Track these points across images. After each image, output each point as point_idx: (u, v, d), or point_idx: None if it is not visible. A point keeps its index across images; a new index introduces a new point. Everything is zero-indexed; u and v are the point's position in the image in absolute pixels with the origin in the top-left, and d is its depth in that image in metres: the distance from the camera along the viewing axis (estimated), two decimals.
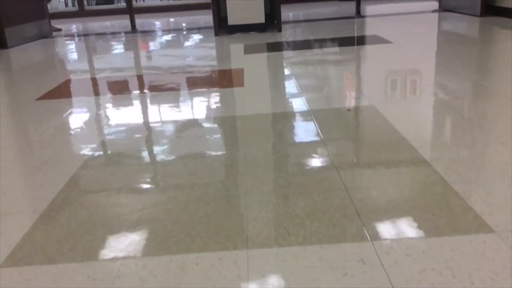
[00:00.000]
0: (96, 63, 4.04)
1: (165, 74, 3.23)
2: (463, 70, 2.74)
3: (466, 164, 1.50)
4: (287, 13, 6.96)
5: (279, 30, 4.93)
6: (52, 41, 5.38)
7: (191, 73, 3.24)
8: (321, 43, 4.13)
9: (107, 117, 2.29)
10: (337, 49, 3.78)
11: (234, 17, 4.91)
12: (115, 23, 7.09)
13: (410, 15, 5.47)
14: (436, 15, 5.39)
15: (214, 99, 2.54)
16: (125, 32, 5.73)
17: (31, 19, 5.29)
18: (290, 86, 2.66)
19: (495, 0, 4.80)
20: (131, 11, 5.82)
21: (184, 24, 6.60)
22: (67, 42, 5.38)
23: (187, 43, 4.76)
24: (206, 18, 6.51)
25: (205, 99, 2.54)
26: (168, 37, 5.27)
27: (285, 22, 5.55)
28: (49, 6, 6.37)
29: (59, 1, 9.88)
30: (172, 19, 7.37)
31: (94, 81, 3.21)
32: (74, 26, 7.10)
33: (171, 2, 9.00)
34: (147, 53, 4.45)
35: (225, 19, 5.07)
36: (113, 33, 5.71)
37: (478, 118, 1.92)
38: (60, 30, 6.09)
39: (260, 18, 4.92)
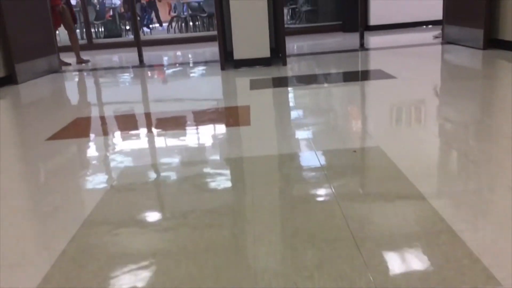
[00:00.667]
0: (104, 99, 4.11)
1: (171, 112, 3.27)
2: (467, 108, 2.76)
3: (473, 211, 1.51)
4: (292, 43, 7.08)
5: (284, 63, 5.00)
6: (61, 76, 5.48)
7: (198, 111, 3.28)
8: (326, 78, 4.18)
9: (115, 159, 2.32)
10: (341, 84, 3.84)
11: (240, 52, 4.99)
12: (123, 56, 7.23)
13: (414, 48, 5.55)
14: (439, 47, 5.47)
15: (221, 139, 2.57)
16: (133, 67, 5.83)
17: (41, 54, 5.41)
18: (296, 125, 2.69)
19: (497, 33, 4.86)
20: (138, 44, 5.94)
21: (190, 57, 6.72)
22: (76, 77, 5.48)
23: (193, 78, 4.84)
24: (213, 50, 6.62)
25: (212, 139, 2.58)
26: (175, 71, 5.36)
27: (290, 55, 5.63)
28: (58, 38, 6.55)
29: None
30: (179, 52, 7.50)
31: (102, 119, 3.26)
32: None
33: (178, 35, 9.17)
34: (154, 89, 4.52)
35: (231, 53, 5.16)
36: (122, 67, 5.81)
37: (485, 161, 1.93)
38: (69, 64, 6.21)
39: (266, 53, 5.00)
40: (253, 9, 4.82)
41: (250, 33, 4.91)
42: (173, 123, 2.96)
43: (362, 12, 5.96)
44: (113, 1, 10.83)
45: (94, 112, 3.53)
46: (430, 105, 2.97)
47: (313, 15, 9.46)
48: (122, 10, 11.06)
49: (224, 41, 5.23)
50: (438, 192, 1.68)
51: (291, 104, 3.23)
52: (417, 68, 4.32)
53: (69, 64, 6.23)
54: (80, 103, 4.02)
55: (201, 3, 10.53)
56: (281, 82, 4.14)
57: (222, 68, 5.00)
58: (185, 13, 10.78)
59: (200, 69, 5.41)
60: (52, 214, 1.72)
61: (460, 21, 5.32)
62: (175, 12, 11.54)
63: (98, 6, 10.28)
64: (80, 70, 5.97)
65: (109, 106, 3.80)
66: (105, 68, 5.89)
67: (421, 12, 7.61)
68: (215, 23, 5.72)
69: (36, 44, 5.33)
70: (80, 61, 6.34)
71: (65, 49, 7.63)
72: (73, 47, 6.39)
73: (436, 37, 6.15)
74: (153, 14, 11.93)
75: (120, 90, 4.51)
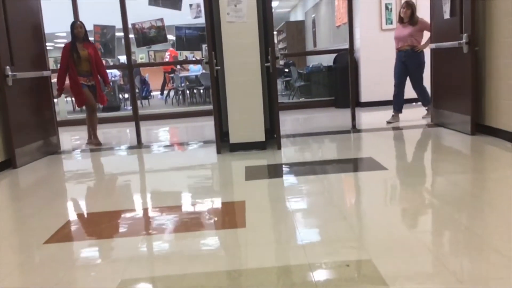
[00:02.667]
0: (99, 189, 4.17)
1: (166, 210, 3.32)
2: (457, 212, 2.84)
3: None
4: (286, 118, 7.28)
5: (279, 147, 5.12)
6: (59, 159, 5.57)
7: (191, 208, 3.34)
8: (319, 168, 4.28)
9: (113, 267, 2.35)
10: (334, 177, 3.93)
11: (236, 136, 5.14)
12: (122, 133, 7.36)
13: (404, 131, 5.71)
14: (429, 130, 5.64)
15: (213, 246, 2.61)
16: (131, 147, 5.94)
17: (41, 136, 5.53)
18: (290, 229, 2.74)
19: (484, 119, 5.05)
20: (137, 125, 6.06)
21: (187, 137, 6.87)
22: (73, 160, 5.57)
23: (189, 163, 4.92)
24: (210, 125, 6.74)
25: (204, 246, 2.60)
26: (171, 155, 5.45)
27: (284, 136, 5.76)
28: (57, 108, 6.65)
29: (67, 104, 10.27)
30: (176, 129, 7.66)
31: (97, 217, 3.30)
32: (80, 137, 7.38)
33: (176, 109, 9.41)
34: (150, 178, 4.60)
35: (227, 133, 5.30)
36: (119, 149, 5.91)
37: (475, 281, 1.97)
38: (100, 144, 6.16)
39: (261, 136, 5.15)
40: (249, 93, 5.01)
41: (246, 118, 5.08)
42: (167, 224, 3.01)
43: (353, 92, 6.17)
44: (113, 74, 11.17)
45: (90, 207, 3.58)
46: (422, 207, 3.05)
47: (306, 90, 9.76)
48: (122, 82, 11.38)
49: (220, 122, 5.38)
50: None
51: (285, 201, 3.29)
52: (408, 157, 4.44)
53: (100, 144, 6.16)
54: (76, 194, 4.08)
55: (198, 76, 10.87)
56: (276, 172, 4.24)
57: (218, 152, 5.12)
58: (183, 85, 11.10)
59: (197, 152, 5.51)
60: None
61: (448, 105, 5.52)
62: (173, 83, 11.88)
63: None
64: (77, 149, 6.08)
65: (104, 198, 3.86)
66: (102, 149, 5.98)
67: (410, 90, 7.88)
68: (212, 98, 5.90)
69: (36, 127, 5.45)
70: (96, 142, 6.16)
71: (64, 123, 7.79)
72: (92, 126, 6.22)
73: (424, 117, 6.35)
74: (151, 87, 12.26)
75: (115, 179, 4.59)
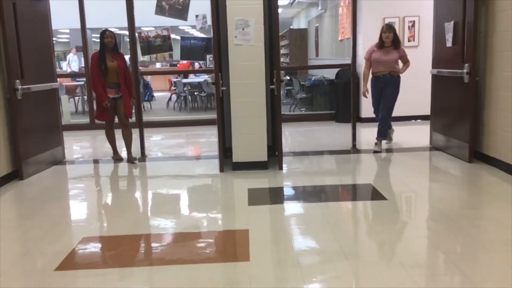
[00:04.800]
0: (102, 209, 4.28)
1: (167, 237, 3.43)
2: (453, 255, 2.96)
3: None
4: (287, 131, 7.39)
5: (280, 167, 5.24)
6: (64, 170, 5.67)
7: (193, 237, 3.43)
8: (319, 194, 4.40)
9: None
10: (335, 206, 4.04)
11: (238, 155, 5.25)
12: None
13: (403, 154, 5.81)
14: (427, 154, 5.76)
15: (214, 281, 2.70)
16: (130, 162, 6.03)
17: (47, 147, 5.62)
18: (294, 266, 2.85)
19: (482, 147, 5.17)
20: (141, 135, 6.13)
21: (190, 150, 6.97)
22: (77, 171, 5.66)
23: (191, 182, 5.03)
24: (213, 135, 6.85)
25: (204, 282, 2.70)
26: (174, 169, 5.54)
27: (285, 154, 5.86)
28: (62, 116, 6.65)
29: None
30: (179, 137, 7.76)
31: (103, 242, 3.40)
32: (85, 146, 7.47)
33: (179, 118, 9.51)
34: (152, 198, 4.70)
35: (229, 148, 5.41)
36: (122, 160, 5.99)
37: None
38: (135, 160, 5.88)
39: (263, 156, 5.26)
40: (253, 114, 5.13)
41: (249, 138, 5.20)
42: (164, 253, 3.12)
43: (354, 110, 6.26)
44: None
45: (94, 227, 3.69)
46: (422, 247, 3.17)
47: (307, 102, 9.86)
48: None
49: (224, 140, 5.48)
50: None
51: (289, 233, 3.38)
52: (407, 185, 4.55)
53: (136, 160, 5.88)
54: (82, 212, 4.20)
55: (200, 83, 10.96)
56: (278, 197, 4.37)
57: (221, 170, 5.22)
58: (185, 91, 11.19)
59: (200, 168, 5.60)
60: None
61: (447, 131, 5.64)
62: (175, 87, 11.96)
63: None
64: (80, 159, 6.18)
65: (106, 219, 3.97)
66: (105, 162, 6.07)
67: (410, 108, 8.01)
68: (214, 105, 5.96)
69: (43, 138, 5.55)
70: (117, 157, 5.95)
71: (68, 127, 7.85)
72: (111, 142, 5.98)
73: (387, 142, 6.26)
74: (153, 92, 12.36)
75: (116, 196, 4.69)
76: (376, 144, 5.96)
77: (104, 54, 5.52)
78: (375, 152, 5.86)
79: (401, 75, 5.92)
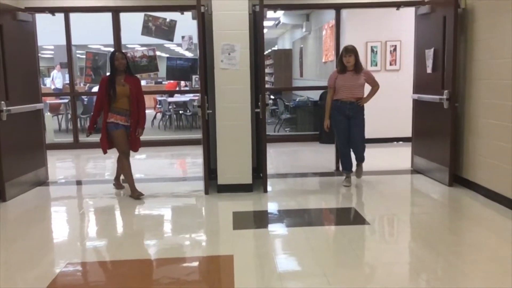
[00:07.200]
0: (86, 231, 4.27)
1: (150, 262, 3.44)
2: (433, 282, 3.03)
3: None
4: (272, 152, 7.44)
5: (265, 190, 5.28)
6: (48, 191, 5.63)
7: (177, 262, 3.44)
8: (303, 218, 4.46)
9: None
10: (319, 230, 4.09)
11: (223, 177, 5.29)
12: (112, 158, 7.38)
13: (384, 177, 5.89)
14: (408, 178, 5.87)
15: None
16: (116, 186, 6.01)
17: (30, 169, 5.58)
18: None
19: (462, 171, 5.30)
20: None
21: (175, 170, 6.98)
22: (62, 191, 5.63)
23: (176, 205, 5.04)
24: (197, 155, 6.89)
25: None
26: (157, 189, 5.52)
27: (270, 176, 5.89)
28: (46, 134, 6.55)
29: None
30: (164, 157, 7.76)
31: (87, 267, 3.40)
32: (69, 166, 7.43)
33: (165, 137, 9.52)
34: (137, 220, 4.70)
35: (214, 170, 5.44)
36: (107, 182, 5.96)
37: None
38: (142, 196, 5.15)
39: (248, 179, 5.31)
40: (238, 137, 5.19)
41: (234, 160, 5.25)
42: (151, 281, 3.13)
43: None
44: None
45: (77, 254, 3.68)
46: (403, 273, 3.23)
47: (292, 122, 9.97)
48: None
49: (209, 161, 5.52)
50: None
51: (273, 259, 3.41)
52: (389, 209, 4.63)
53: (142, 196, 5.14)
54: (65, 237, 4.18)
55: (186, 102, 11.01)
56: (262, 221, 4.42)
57: (206, 192, 5.25)
58: (170, 110, 11.21)
59: (184, 190, 5.59)
60: None
61: (428, 154, 5.77)
62: (160, 105, 11.98)
63: (86, 100, 10.65)
64: (62, 180, 6.14)
65: (90, 244, 3.96)
66: (88, 182, 6.04)
67: (392, 130, 8.18)
68: (199, 124, 5.90)
69: (27, 159, 5.52)
70: (136, 195, 5.11)
71: (51, 146, 7.78)
72: (124, 173, 5.25)
73: (345, 185, 5.47)
74: None
75: (100, 220, 4.68)
76: (346, 178, 5.49)
77: (114, 78, 4.95)
78: (345, 186, 5.41)
79: (371, 101, 5.40)
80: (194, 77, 8.80)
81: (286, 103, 10.04)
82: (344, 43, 8.00)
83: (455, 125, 5.26)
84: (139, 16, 7.38)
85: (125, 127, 5.03)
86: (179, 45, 13.58)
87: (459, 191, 5.08)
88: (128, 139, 5.08)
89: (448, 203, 4.86)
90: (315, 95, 9.57)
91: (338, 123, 5.39)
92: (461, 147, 5.31)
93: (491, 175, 4.73)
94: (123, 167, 5.17)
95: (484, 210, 4.47)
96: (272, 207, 4.81)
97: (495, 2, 4.60)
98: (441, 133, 5.41)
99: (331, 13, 8.35)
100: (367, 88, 5.39)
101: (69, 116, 10.24)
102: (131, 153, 5.24)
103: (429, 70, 5.64)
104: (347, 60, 5.19)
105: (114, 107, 4.97)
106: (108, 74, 5.18)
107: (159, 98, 12.28)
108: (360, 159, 5.56)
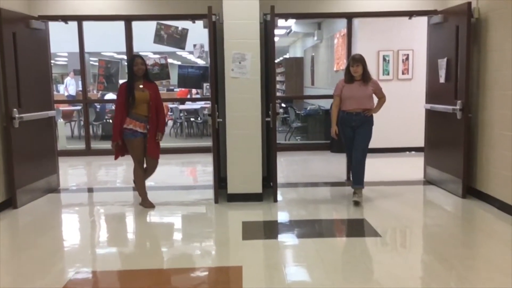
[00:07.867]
0: (96, 241, 4.27)
1: (159, 272, 3.42)
2: None
3: None
4: (282, 160, 7.40)
5: (275, 199, 5.24)
6: (59, 198, 5.65)
7: (186, 272, 3.42)
8: (314, 229, 4.41)
9: None
10: (330, 242, 4.05)
11: (233, 186, 5.26)
12: (124, 165, 7.40)
13: (396, 188, 5.81)
14: (421, 189, 5.79)
15: None
16: (126, 188, 6.02)
17: (41, 176, 5.61)
18: None
19: (475, 183, 5.21)
20: None
21: (185, 178, 6.97)
22: (73, 199, 5.65)
23: (186, 215, 5.03)
24: (208, 162, 6.85)
25: None
26: (168, 198, 5.52)
27: (280, 185, 5.84)
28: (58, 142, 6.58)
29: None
30: (175, 165, 7.76)
31: (99, 278, 3.39)
32: (80, 173, 7.46)
33: (176, 145, 9.53)
34: (145, 228, 4.69)
35: (224, 179, 5.42)
36: (119, 189, 5.98)
37: None
38: (153, 207, 5.10)
39: (258, 188, 5.28)
40: (249, 146, 5.17)
41: (244, 170, 5.22)
42: None
43: None
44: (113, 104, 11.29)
45: (86, 263, 3.67)
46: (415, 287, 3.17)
47: (303, 131, 9.93)
48: None
49: (219, 170, 5.51)
50: None
51: (283, 271, 3.37)
52: (400, 221, 4.56)
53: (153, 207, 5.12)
54: (76, 244, 4.18)
55: (197, 109, 11.03)
56: (272, 231, 4.38)
57: (216, 201, 5.22)
58: (181, 117, 11.24)
59: (194, 199, 5.57)
60: None
61: (441, 165, 5.69)
62: (171, 113, 12.02)
63: (98, 107, 10.72)
64: (74, 187, 6.17)
65: (100, 253, 3.95)
66: (100, 190, 6.06)
67: (404, 140, 8.10)
68: (210, 131, 5.83)
69: (38, 166, 5.55)
70: (147, 205, 5.12)
71: (63, 153, 7.82)
72: (137, 185, 5.16)
73: (356, 199, 5.08)
74: None
75: (110, 228, 4.68)
76: (354, 193, 5.13)
77: (133, 84, 4.84)
78: (355, 202, 5.05)
79: (382, 110, 5.24)
80: (205, 85, 8.81)
81: (297, 112, 10.01)
82: (355, 51, 7.97)
83: (468, 136, 5.18)
84: (152, 25, 7.42)
85: (143, 135, 4.92)
86: (191, 52, 13.65)
87: (473, 203, 5.00)
88: (145, 147, 4.96)
89: (461, 215, 4.78)
90: (326, 104, 9.53)
91: (344, 134, 5.22)
92: (474, 158, 5.23)
93: (505, 187, 4.65)
94: (137, 175, 5.08)
95: (497, 222, 4.38)
96: (282, 217, 4.77)
97: (509, 12, 4.54)
98: (454, 143, 5.34)
99: (343, 21, 8.33)
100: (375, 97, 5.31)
101: (82, 123, 10.31)
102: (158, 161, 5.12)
103: (442, 80, 5.58)
104: (355, 70, 5.02)
105: (133, 113, 4.83)
106: (124, 80, 5.04)
107: (170, 105, 12.33)
108: (356, 181, 5.11)
